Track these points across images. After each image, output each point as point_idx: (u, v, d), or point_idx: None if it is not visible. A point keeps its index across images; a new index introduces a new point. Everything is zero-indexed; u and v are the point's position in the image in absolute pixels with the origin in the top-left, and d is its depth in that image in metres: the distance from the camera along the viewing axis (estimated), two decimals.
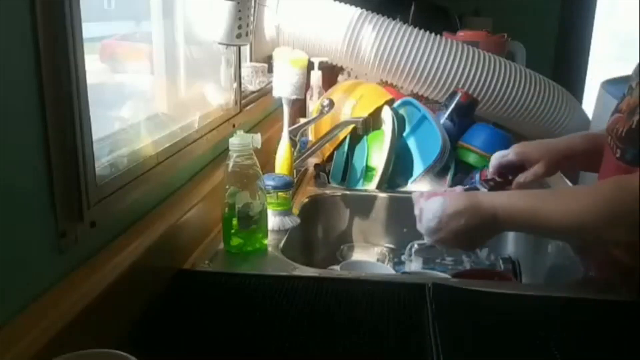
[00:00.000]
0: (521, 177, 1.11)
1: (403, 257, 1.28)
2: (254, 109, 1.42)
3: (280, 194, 1.14)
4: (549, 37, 3.05)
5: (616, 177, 0.86)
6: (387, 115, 1.45)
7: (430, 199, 0.95)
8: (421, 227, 0.96)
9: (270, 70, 1.50)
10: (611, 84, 1.93)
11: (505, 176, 1.13)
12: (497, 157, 1.15)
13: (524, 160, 1.12)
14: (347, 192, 1.41)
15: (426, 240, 0.97)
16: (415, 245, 1.27)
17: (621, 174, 0.90)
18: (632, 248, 0.82)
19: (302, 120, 1.46)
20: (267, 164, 1.29)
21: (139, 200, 0.85)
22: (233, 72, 1.24)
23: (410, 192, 1.37)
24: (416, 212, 0.99)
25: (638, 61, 1.01)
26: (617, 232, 0.82)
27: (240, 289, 0.89)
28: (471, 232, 0.91)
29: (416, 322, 0.80)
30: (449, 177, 1.44)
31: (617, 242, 0.85)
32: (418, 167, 1.46)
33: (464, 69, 1.67)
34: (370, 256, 1.34)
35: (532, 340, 0.76)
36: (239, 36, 1.15)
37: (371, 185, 1.41)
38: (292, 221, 1.15)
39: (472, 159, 1.45)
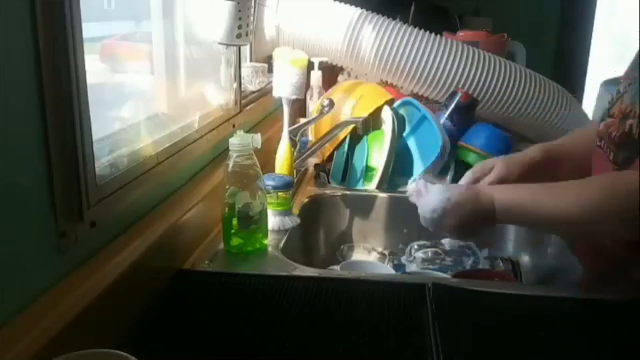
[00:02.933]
0: (484, 182, 1.12)
1: (403, 258, 1.28)
2: (254, 109, 1.42)
3: (280, 194, 1.14)
4: (549, 37, 3.05)
5: (612, 172, 0.86)
6: (387, 115, 1.45)
7: (433, 189, 0.96)
8: (424, 215, 0.97)
9: (270, 70, 1.50)
10: (611, 84, 1.93)
11: None
12: (464, 179, 1.14)
13: (484, 170, 1.13)
14: (347, 192, 1.41)
15: (423, 222, 0.98)
16: (415, 246, 1.27)
17: (609, 172, 0.91)
18: (626, 242, 0.82)
19: (302, 120, 1.46)
20: (267, 164, 1.29)
21: (139, 200, 0.85)
22: (233, 72, 1.24)
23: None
24: (415, 199, 0.99)
25: (630, 63, 1.01)
26: (610, 226, 0.83)
27: (240, 289, 0.89)
28: (472, 222, 0.92)
29: (416, 322, 0.80)
30: (448, 177, 1.44)
31: (610, 235, 0.86)
32: (418, 167, 1.46)
33: (464, 69, 1.67)
34: (370, 256, 1.34)
35: (532, 340, 0.76)
36: (239, 36, 1.15)
37: (371, 185, 1.41)
38: (292, 221, 1.15)
39: (472, 159, 1.45)
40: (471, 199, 0.92)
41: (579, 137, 1.18)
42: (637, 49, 1.00)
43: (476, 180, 1.13)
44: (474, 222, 0.93)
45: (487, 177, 1.11)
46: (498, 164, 1.11)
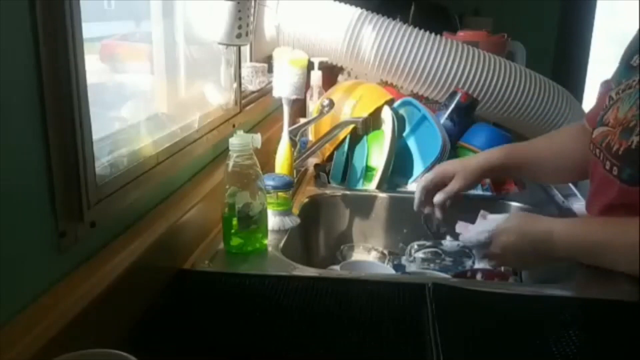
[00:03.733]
0: (439, 195, 1.14)
1: (403, 258, 1.28)
2: (254, 109, 1.42)
3: (280, 194, 1.14)
4: (549, 37, 3.05)
5: None
6: (387, 115, 1.45)
7: (482, 222, 0.98)
8: (470, 239, 0.98)
9: (270, 70, 1.50)
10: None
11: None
12: (422, 183, 1.19)
13: (444, 178, 1.17)
14: (347, 192, 1.41)
15: (474, 251, 0.99)
16: (415, 246, 1.27)
17: (611, 187, 0.90)
18: None
19: (302, 120, 1.46)
20: (267, 164, 1.29)
21: (139, 200, 0.85)
22: (233, 72, 1.24)
23: (410, 192, 1.39)
24: (463, 239, 1.01)
25: (618, 65, 1.01)
26: None
27: (240, 289, 0.89)
28: (522, 251, 0.92)
29: (416, 322, 0.80)
30: None
31: None
32: (418, 167, 1.46)
33: (464, 69, 1.67)
34: (370, 256, 1.34)
35: (532, 340, 0.76)
36: (239, 36, 1.15)
37: (371, 185, 1.41)
38: (292, 221, 1.15)
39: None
40: (522, 226, 0.92)
41: (547, 143, 1.20)
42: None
43: (435, 186, 1.14)
44: (524, 251, 0.92)
45: (447, 188, 1.13)
46: (456, 177, 1.13)
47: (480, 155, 1.22)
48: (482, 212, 1.03)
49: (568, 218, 1.04)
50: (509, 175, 1.34)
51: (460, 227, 1.05)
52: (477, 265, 1.10)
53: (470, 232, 1.00)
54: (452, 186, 1.15)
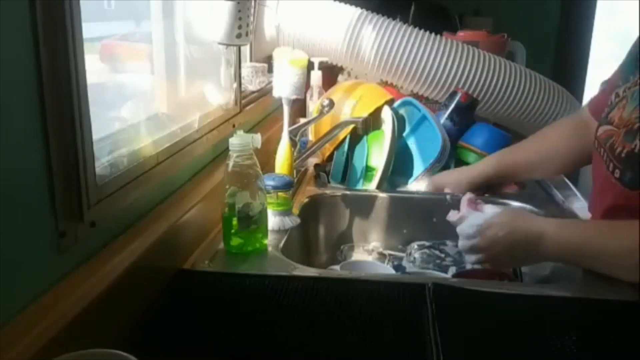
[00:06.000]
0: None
1: (403, 258, 1.28)
2: (254, 109, 1.42)
3: (280, 194, 1.14)
4: (549, 37, 3.05)
5: None
6: (387, 115, 1.45)
7: (481, 209, 0.97)
8: (460, 231, 0.97)
9: (270, 70, 1.50)
10: None
11: None
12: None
13: (439, 189, 1.20)
14: (347, 192, 1.41)
15: (460, 246, 0.98)
16: (415, 246, 1.27)
17: (613, 189, 0.90)
18: None
19: (302, 120, 1.46)
20: (267, 164, 1.29)
21: (139, 200, 0.85)
22: (233, 72, 1.24)
23: (410, 192, 1.39)
24: (454, 217, 0.99)
25: (622, 63, 1.01)
26: None
27: (240, 289, 0.89)
28: (509, 247, 0.91)
29: (416, 322, 0.80)
30: None
31: None
32: (418, 167, 1.46)
33: (464, 69, 1.67)
34: (370, 256, 1.34)
35: (532, 340, 0.76)
36: (239, 36, 1.15)
37: (371, 185, 1.41)
38: (292, 221, 1.15)
39: (472, 159, 1.45)
40: (512, 223, 0.91)
41: (537, 145, 1.21)
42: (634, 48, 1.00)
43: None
44: (514, 248, 0.91)
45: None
46: (449, 188, 1.14)
47: (472, 169, 1.24)
48: (477, 200, 1.02)
49: (562, 219, 1.02)
50: (504, 182, 1.35)
51: (453, 215, 1.04)
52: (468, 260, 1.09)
53: (462, 223, 0.99)
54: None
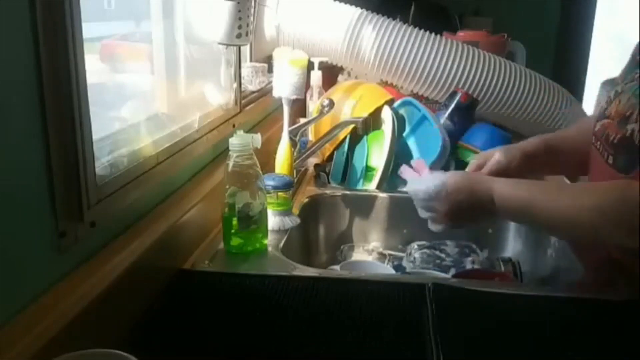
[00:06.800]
0: (485, 169, 1.10)
1: (403, 258, 1.28)
2: (254, 109, 1.42)
3: (280, 194, 1.14)
4: (549, 37, 3.05)
5: (622, 181, 0.84)
6: (387, 115, 1.45)
7: (431, 174, 0.97)
8: (416, 195, 0.97)
9: (270, 70, 1.50)
10: (611, 84, 1.93)
11: None
12: (470, 167, 1.13)
13: (487, 157, 1.10)
14: (347, 192, 1.41)
15: (420, 213, 0.98)
16: (415, 246, 1.27)
17: (607, 176, 0.90)
18: (631, 250, 0.82)
19: (302, 120, 1.46)
20: (267, 164, 1.29)
21: (139, 200, 0.85)
22: (233, 72, 1.24)
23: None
24: (408, 175, 0.99)
25: (627, 63, 1.01)
26: (617, 235, 0.82)
27: (240, 289, 0.89)
28: (470, 209, 0.93)
29: (416, 322, 0.80)
30: None
31: (616, 245, 0.85)
32: None
33: (464, 69, 1.67)
34: (370, 256, 1.34)
35: (532, 340, 0.76)
36: (239, 36, 1.15)
37: (371, 185, 1.41)
38: (292, 221, 1.15)
39: (472, 159, 1.45)
40: (468, 187, 0.92)
41: (582, 129, 1.16)
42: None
43: (478, 167, 1.12)
44: (468, 211, 0.93)
45: (488, 163, 1.10)
46: (498, 152, 1.10)
47: (522, 142, 1.17)
48: (418, 160, 1.03)
49: (507, 178, 1.02)
50: (546, 165, 1.27)
51: (407, 172, 1.04)
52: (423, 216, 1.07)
53: (415, 187, 0.99)
54: (495, 161, 1.08)
